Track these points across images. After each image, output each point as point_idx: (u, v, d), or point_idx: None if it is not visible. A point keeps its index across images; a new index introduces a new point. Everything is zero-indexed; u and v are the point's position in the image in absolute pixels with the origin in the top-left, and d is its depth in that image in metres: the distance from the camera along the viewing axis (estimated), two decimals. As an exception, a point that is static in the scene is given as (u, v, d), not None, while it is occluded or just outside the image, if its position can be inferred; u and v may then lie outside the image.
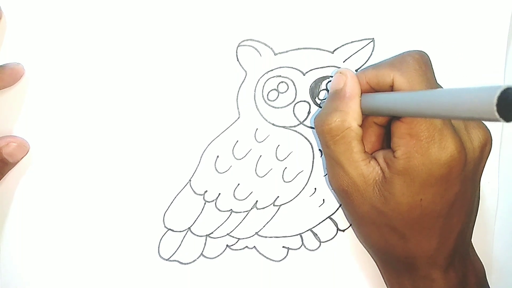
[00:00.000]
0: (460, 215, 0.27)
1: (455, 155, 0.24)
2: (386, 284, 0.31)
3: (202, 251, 0.31)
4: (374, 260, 0.31)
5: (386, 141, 0.29)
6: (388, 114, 0.26)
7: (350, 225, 0.32)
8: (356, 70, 0.30)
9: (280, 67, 0.30)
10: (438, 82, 0.27)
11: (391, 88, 0.25)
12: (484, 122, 0.27)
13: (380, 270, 0.31)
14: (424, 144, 0.24)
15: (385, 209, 0.26)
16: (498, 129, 0.31)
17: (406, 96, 0.24)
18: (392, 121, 0.26)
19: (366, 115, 0.27)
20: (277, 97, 0.30)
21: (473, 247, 0.30)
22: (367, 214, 0.27)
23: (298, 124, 0.31)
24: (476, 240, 0.30)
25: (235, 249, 0.31)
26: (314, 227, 0.32)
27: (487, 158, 0.27)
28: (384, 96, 0.25)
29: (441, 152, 0.24)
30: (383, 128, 0.29)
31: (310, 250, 0.32)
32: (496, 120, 0.17)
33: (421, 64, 0.25)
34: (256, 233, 0.31)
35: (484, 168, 0.28)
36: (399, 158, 0.25)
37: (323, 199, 0.31)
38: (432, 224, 0.26)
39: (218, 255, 0.31)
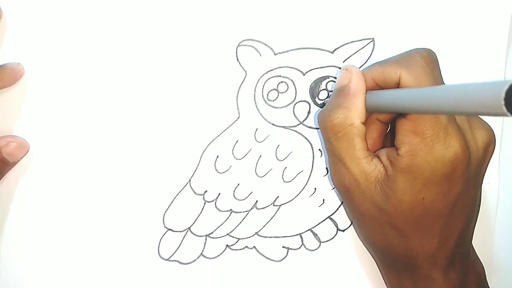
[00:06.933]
0: (461, 215, 0.27)
1: (459, 154, 0.24)
2: (386, 284, 0.31)
3: (202, 251, 0.31)
4: (374, 259, 0.31)
5: (388, 139, 0.29)
6: (393, 111, 0.26)
7: (351, 224, 0.32)
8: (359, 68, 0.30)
9: (280, 67, 0.30)
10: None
11: (397, 86, 0.25)
12: (487, 122, 0.27)
13: (380, 270, 0.31)
14: (428, 142, 0.24)
15: (386, 207, 0.26)
16: (498, 129, 0.31)
17: (412, 92, 0.23)
18: (397, 118, 0.26)
19: (371, 112, 0.27)
20: (277, 97, 0.30)
21: (473, 248, 0.30)
22: (368, 211, 0.27)
23: (298, 124, 0.31)
24: (476, 240, 0.30)
25: (235, 249, 0.31)
26: (314, 227, 0.32)
27: (490, 159, 0.27)
28: (390, 93, 0.25)
29: (445, 150, 0.24)
30: (386, 126, 0.29)
31: (310, 250, 0.32)
32: (503, 114, 0.17)
33: (428, 62, 0.25)
34: (256, 233, 0.31)
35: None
36: (403, 156, 0.25)
37: (323, 199, 0.31)
38: (434, 223, 0.26)
39: (218, 255, 0.31)
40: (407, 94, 0.24)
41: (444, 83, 0.26)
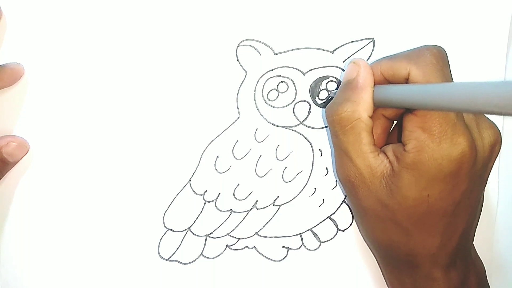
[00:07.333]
0: (465, 214, 0.27)
1: (466, 152, 0.24)
2: (387, 283, 0.31)
3: (202, 251, 0.31)
4: (375, 257, 0.31)
5: (393, 136, 0.29)
6: (401, 106, 0.26)
7: (351, 224, 0.32)
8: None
9: (280, 67, 0.30)
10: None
11: (406, 81, 0.25)
12: (493, 122, 0.27)
13: (380, 268, 0.31)
14: (436, 139, 0.24)
15: (390, 202, 0.26)
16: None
17: (422, 88, 0.23)
18: (405, 114, 0.26)
19: (379, 106, 0.27)
20: (277, 97, 0.30)
21: (474, 247, 0.30)
22: (371, 207, 0.27)
23: (298, 124, 0.31)
24: (476, 240, 0.30)
25: (235, 249, 0.31)
26: (314, 227, 0.32)
27: (495, 159, 0.27)
28: (400, 88, 0.25)
29: (452, 148, 0.24)
30: (391, 122, 0.29)
31: (310, 250, 0.32)
32: None
33: (438, 59, 0.25)
34: (256, 233, 0.31)
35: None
36: (409, 152, 0.25)
37: (323, 199, 0.31)
38: (437, 222, 0.26)
39: (218, 255, 0.31)
40: (417, 89, 0.24)
41: (453, 81, 0.26)
